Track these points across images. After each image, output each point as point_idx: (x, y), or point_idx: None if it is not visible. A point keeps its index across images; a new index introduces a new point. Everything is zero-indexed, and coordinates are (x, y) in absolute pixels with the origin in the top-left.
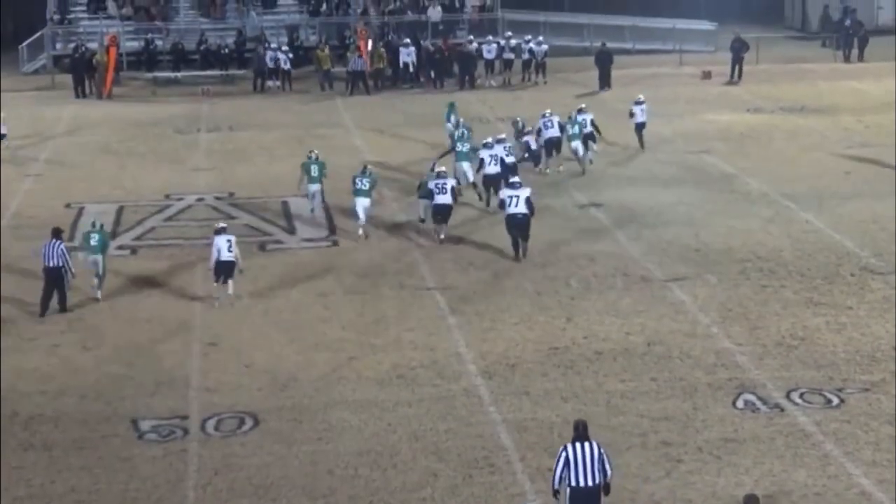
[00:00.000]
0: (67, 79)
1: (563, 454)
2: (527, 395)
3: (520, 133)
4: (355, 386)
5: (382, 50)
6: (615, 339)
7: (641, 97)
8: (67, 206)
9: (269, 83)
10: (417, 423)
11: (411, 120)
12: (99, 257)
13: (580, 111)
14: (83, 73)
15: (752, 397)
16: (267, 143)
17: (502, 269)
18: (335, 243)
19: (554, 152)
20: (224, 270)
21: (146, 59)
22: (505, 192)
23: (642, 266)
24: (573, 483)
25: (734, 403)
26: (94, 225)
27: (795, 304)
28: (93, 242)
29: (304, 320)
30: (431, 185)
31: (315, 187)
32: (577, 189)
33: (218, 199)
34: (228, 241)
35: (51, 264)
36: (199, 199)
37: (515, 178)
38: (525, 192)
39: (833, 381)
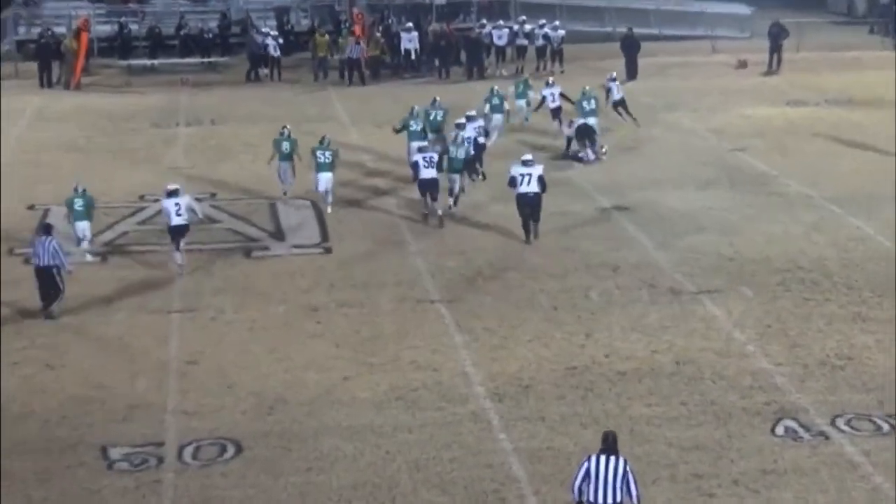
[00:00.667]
0: (32, 67)
1: (585, 465)
2: (542, 420)
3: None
4: (350, 410)
5: (379, 36)
6: (640, 358)
7: (614, 73)
8: (31, 207)
9: (260, 71)
10: (419, 452)
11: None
12: (86, 223)
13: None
14: (50, 60)
15: (793, 424)
16: (253, 139)
17: (514, 281)
18: (328, 250)
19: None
20: (177, 235)
21: (119, 46)
22: (517, 170)
23: (671, 277)
24: (591, 499)
25: (773, 431)
26: (76, 190)
27: (841, 319)
28: (77, 207)
29: (294, 336)
30: (418, 157)
31: (286, 165)
32: (598, 191)
33: (198, 199)
34: (177, 204)
35: (43, 263)
36: (200, 199)
37: (528, 156)
38: (538, 170)
39: (883, 405)
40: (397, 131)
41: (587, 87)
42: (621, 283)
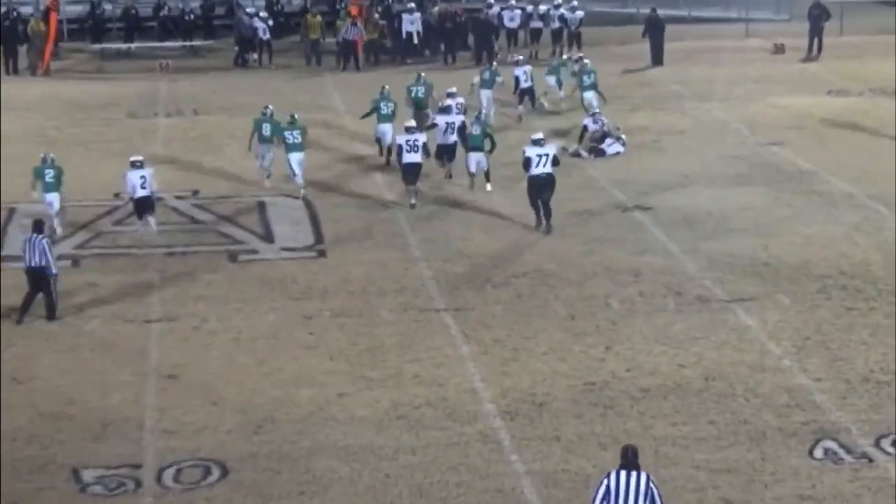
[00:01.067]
0: None
1: (605, 482)
2: (557, 440)
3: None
4: (346, 429)
5: (378, 17)
6: (665, 372)
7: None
8: None
9: (248, 56)
10: (422, 475)
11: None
12: (55, 195)
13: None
14: (15, 44)
15: (833, 445)
16: (239, 131)
17: (527, 288)
18: (322, 253)
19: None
20: (143, 208)
21: (92, 28)
22: (532, 151)
23: (699, 283)
24: None
25: (811, 453)
26: (44, 160)
27: (887, 330)
28: (48, 179)
29: (284, 348)
30: (402, 141)
31: (267, 148)
32: (619, 188)
33: (179, 198)
34: (143, 177)
35: (33, 263)
36: (157, 199)
37: (539, 134)
38: (552, 150)
39: None
40: (366, 115)
41: (587, 62)
42: (645, 290)
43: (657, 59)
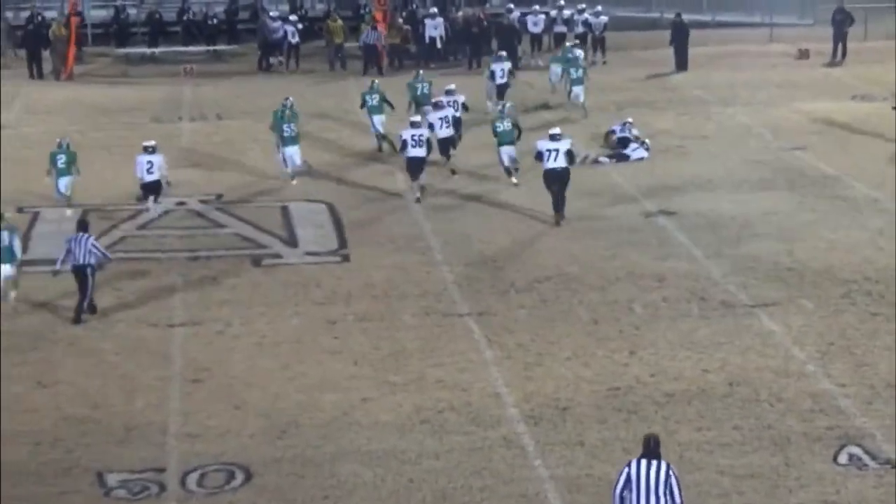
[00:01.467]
0: (20, 55)
1: (626, 471)
2: (580, 445)
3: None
4: (370, 433)
5: (402, 22)
6: (689, 377)
7: (504, 53)
8: (20, 210)
9: (273, 60)
10: (446, 480)
11: None
12: (68, 178)
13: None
14: (40, 48)
15: (857, 451)
16: (263, 135)
17: (550, 292)
18: (345, 258)
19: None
20: (149, 191)
21: (116, 32)
22: (543, 145)
23: (723, 288)
24: None
25: (836, 458)
26: (59, 145)
27: None
28: (59, 164)
29: (308, 352)
30: (406, 136)
31: (291, 150)
32: (643, 193)
33: (203, 202)
34: (150, 162)
35: (82, 261)
36: (180, 203)
37: (556, 129)
38: (566, 145)
39: None
40: (362, 106)
41: (578, 53)
42: (668, 296)
43: (681, 63)
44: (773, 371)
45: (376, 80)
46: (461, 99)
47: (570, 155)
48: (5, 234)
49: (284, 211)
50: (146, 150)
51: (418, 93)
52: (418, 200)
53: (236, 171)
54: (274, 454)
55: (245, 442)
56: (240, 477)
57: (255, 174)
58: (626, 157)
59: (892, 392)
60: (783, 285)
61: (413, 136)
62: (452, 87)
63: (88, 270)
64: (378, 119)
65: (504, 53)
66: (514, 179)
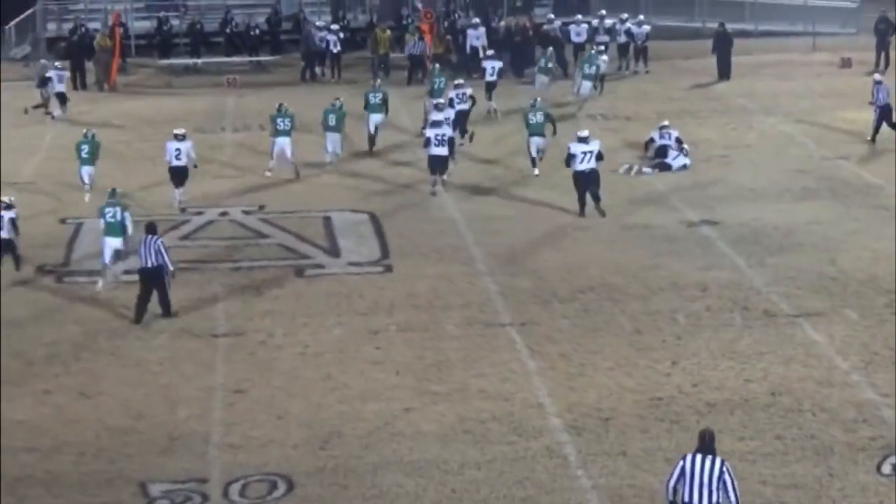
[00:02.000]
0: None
1: (681, 464)
2: (623, 455)
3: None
4: (412, 443)
5: (444, 33)
6: (732, 387)
7: (492, 52)
8: (62, 221)
9: (316, 70)
10: (488, 490)
11: (486, 118)
12: (91, 168)
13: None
14: (83, 59)
15: None
16: (306, 146)
17: (593, 302)
18: (388, 268)
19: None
20: (176, 177)
21: (159, 43)
22: (576, 148)
23: (766, 298)
24: (686, 499)
25: (879, 469)
26: (85, 135)
27: None
28: (83, 154)
29: (350, 363)
30: (431, 134)
31: (335, 136)
32: (685, 203)
33: (246, 213)
34: (178, 149)
35: (148, 264)
36: (223, 214)
37: (584, 132)
38: (596, 146)
39: None
40: (366, 107)
41: (600, 49)
42: (711, 305)
43: (724, 73)
44: (816, 381)
45: (379, 82)
46: (468, 91)
47: (600, 156)
48: (113, 210)
49: (327, 221)
50: (176, 137)
51: (434, 87)
52: (433, 193)
53: (279, 181)
54: (316, 464)
55: (287, 452)
56: (282, 487)
57: (297, 185)
58: (668, 167)
59: None
60: (826, 295)
61: (436, 135)
62: (461, 80)
63: (160, 272)
64: (375, 118)
65: (492, 52)
66: (535, 171)
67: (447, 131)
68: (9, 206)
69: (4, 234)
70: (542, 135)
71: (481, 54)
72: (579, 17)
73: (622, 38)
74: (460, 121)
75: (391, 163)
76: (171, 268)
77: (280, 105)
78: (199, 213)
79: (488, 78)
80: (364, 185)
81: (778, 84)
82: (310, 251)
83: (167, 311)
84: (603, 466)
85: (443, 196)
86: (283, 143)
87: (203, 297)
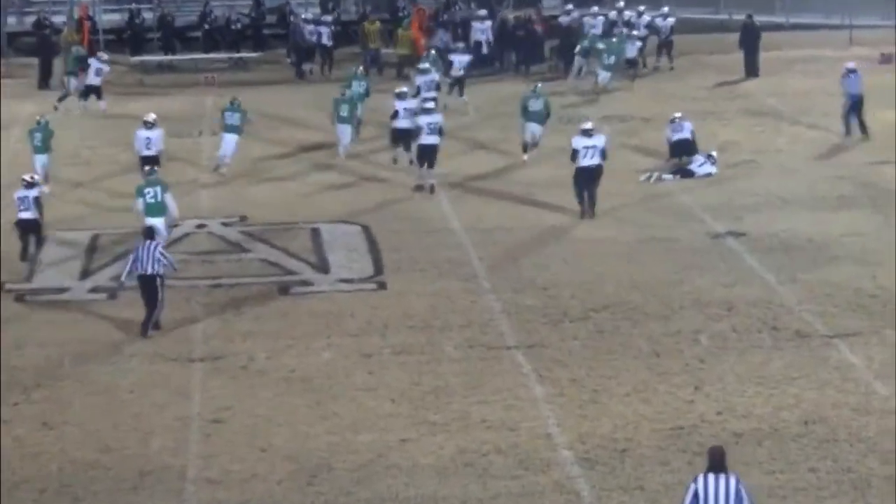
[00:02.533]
0: (29, 63)
1: (693, 487)
2: (640, 490)
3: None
4: (409, 478)
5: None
6: (760, 415)
7: (462, 45)
8: None
9: (305, 66)
10: None
11: (484, 118)
12: (42, 157)
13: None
14: (49, 56)
15: None
16: (292, 151)
17: (608, 322)
18: (382, 285)
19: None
20: (147, 167)
21: (130, 38)
22: (580, 142)
23: (798, 317)
24: None
25: None
26: (38, 122)
27: None
28: (36, 143)
29: (341, 389)
30: (422, 122)
31: (343, 129)
32: (709, 212)
33: (225, 224)
34: (148, 138)
35: (149, 271)
36: (201, 226)
37: (588, 125)
38: (601, 141)
39: None
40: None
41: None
42: (738, 325)
43: (752, 69)
44: (853, 408)
45: (360, 68)
46: (436, 77)
47: (603, 153)
48: (153, 190)
49: (315, 233)
50: (146, 124)
51: (351, 93)
52: (419, 188)
53: (262, 189)
54: (303, 501)
55: (271, 488)
56: None
57: (283, 194)
58: (691, 174)
59: None
60: (865, 314)
61: (429, 123)
62: (426, 65)
63: (158, 281)
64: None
65: (462, 45)
66: (525, 156)
67: (439, 118)
68: (31, 185)
69: (30, 215)
70: (539, 122)
71: (485, 50)
72: (595, 8)
73: (643, 32)
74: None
75: (385, 168)
76: (176, 268)
77: (233, 99)
78: (175, 225)
79: (455, 73)
80: (356, 193)
81: (811, 82)
82: (296, 266)
83: (151, 323)
84: (619, 503)
85: (441, 204)
86: (231, 139)
87: (179, 317)
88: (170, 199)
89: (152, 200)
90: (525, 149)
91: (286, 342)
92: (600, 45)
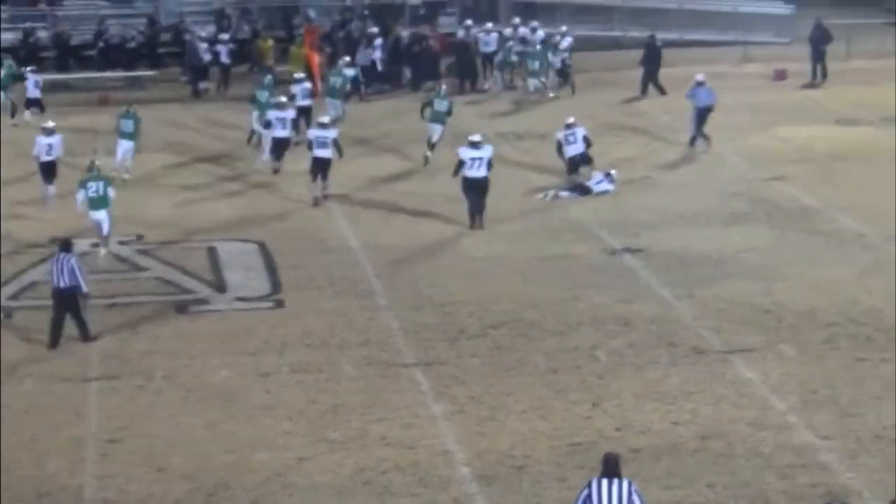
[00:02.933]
0: None
1: (585, 492)
2: None
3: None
4: (306, 497)
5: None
6: (658, 431)
7: (303, 74)
8: None
9: (201, 85)
10: None
11: (381, 134)
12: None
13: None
14: None
15: None
16: (186, 170)
17: (505, 339)
18: (279, 304)
19: (584, 169)
20: (47, 172)
21: (25, 56)
22: (466, 153)
23: (695, 333)
24: None
25: None
26: (127, 111)
27: None
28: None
29: (238, 408)
30: (312, 136)
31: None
32: (606, 228)
33: (122, 243)
34: (49, 144)
35: (62, 284)
36: (96, 245)
37: (477, 136)
38: (488, 152)
39: None
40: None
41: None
42: (635, 341)
43: (648, 87)
44: (750, 423)
45: (270, 77)
46: (308, 85)
47: (490, 164)
48: (96, 185)
49: (211, 252)
50: (44, 131)
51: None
52: (316, 203)
53: (158, 208)
54: None
55: None
56: None
57: (179, 212)
58: (588, 191)
59: (880, 445)
60: (760, 329)
61: (319, 136)
62: (302, 75)
63: (75, 293)
64: (257, 115)
65: (303, 75)
66: (428, 153)
67: (331, 133)
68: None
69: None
70: (442, 122)
71: (379, 68)
72: (489, 25)
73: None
74: (295, 125)
75: (282, 185)
76: (85, 288)
77: (128, 108)
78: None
79: (300, 103)
80: (253, 211)
81: None
82: (193, 285)
83: (86, 334)
84: None
85: (338, 220)
86: (127, 146)
87: (74, 336)
88: (111, 193)
89: (95, 195)
90: (431, 148)
91: (183, 361)
92: (514, 58)
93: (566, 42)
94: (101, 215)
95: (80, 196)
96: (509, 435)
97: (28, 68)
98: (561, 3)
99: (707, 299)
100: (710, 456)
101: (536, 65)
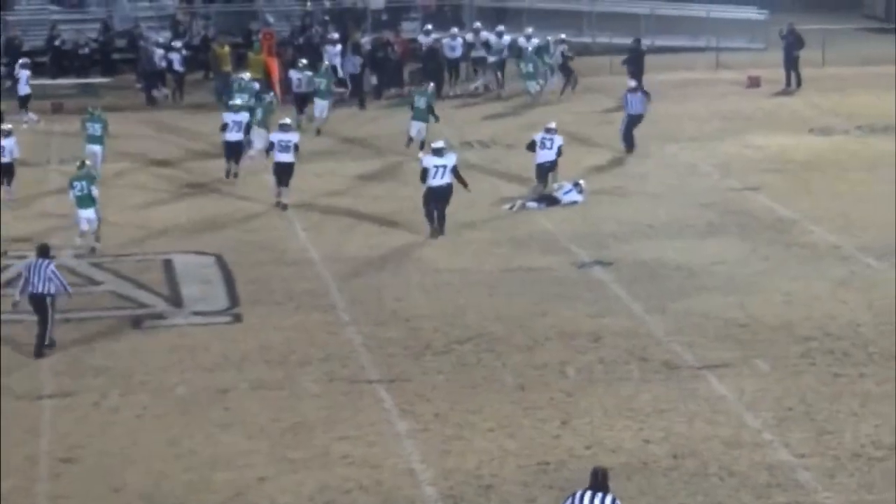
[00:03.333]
0: None
1: (569, 501)
2: None
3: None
4: None
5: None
6: (629, 449)
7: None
8: None
9: (156, 93)
10: None
11: (342, 141)
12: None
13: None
14: None
15: None
16: (142, 180)
17: (471, 355)
18: (238, 318)
19: (550, 176)
20: (4, 173)
21: None
22: (430, 161)
23: (667, 348)
24: None
25: None
26: (91, 113)
27: (879, 399)
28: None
29: (196, 426)
30: (275, 139)
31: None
32: (575, 240)
33: (76, 256)
34: (2, 146)
35: (40, 290)
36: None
37: (440, 143)
38: (452, 160)
39: None
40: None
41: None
42: (605, 357)
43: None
44: (724, 441)
45: (245, 77)
46: (270, 97)
47: (455, 172)
48: (81, 184)
49: (167, 265)
50: (0, 133)
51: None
52: (284, 207)
53: (113, 220)
54: None
55: None
56: None
57: (134, 223)
58: (556, 201)
59: (858, 463)
60: (734, 344)
61: (280, 140)
62: (246, 76)
63: (48, 300)
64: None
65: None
66: (420, 154)
67: (293, 136)
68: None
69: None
70: (424, 120)
71: (339, 73)
72: (455, 30)
73: (505, 54)
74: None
75: (240, 193)
76: (69, 290)
77: (93, 109)
78: (22, 257)
79: (295, 90)
80: (209, 222)
81: (678, 106)
82: (148, 299)
83: (41, 347)
84: None
85: (298, 232)
86: (95, 150)
87: (26, 352)
88: (95, 192)
89: (80, 193)
90: (410, 143)
91: (139, 378)
92: (491, 58)
93: (561, 47)
94: (89, 213)
95: (71, 195)
96: (476, 454)
97: (19, 61)
98: (528, 9)
99: (679, 313)
100: (683, 475)
101: (531, 67)
